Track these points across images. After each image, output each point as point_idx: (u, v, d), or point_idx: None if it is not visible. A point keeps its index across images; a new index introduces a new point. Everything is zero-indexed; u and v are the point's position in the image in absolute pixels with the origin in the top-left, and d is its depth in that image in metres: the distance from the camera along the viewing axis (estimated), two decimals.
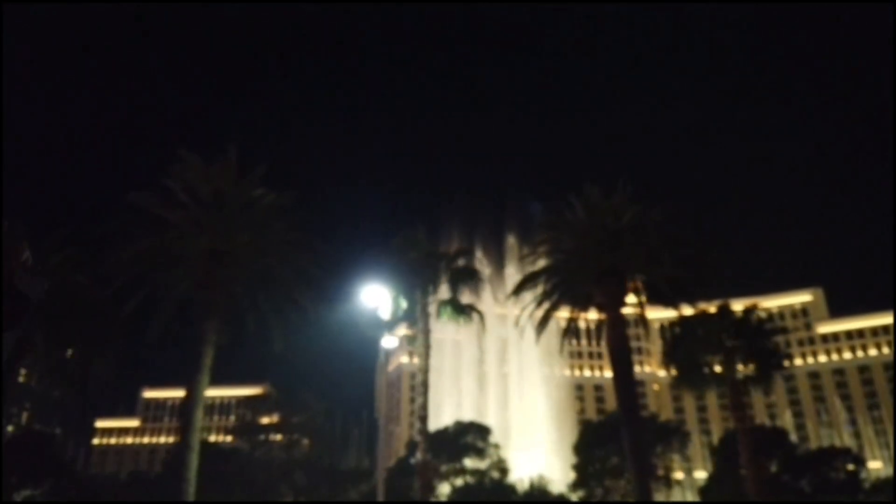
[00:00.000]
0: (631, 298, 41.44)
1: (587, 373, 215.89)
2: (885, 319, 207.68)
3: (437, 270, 40.91)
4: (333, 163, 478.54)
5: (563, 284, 40.66)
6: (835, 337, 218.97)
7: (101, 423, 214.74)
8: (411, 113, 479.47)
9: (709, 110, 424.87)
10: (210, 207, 35.59)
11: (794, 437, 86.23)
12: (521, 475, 71.12)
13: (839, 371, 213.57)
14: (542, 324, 41.21)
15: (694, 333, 42.00)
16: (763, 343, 43.60)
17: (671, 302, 40.16)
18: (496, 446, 71.94)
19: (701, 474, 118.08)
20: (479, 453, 72.11)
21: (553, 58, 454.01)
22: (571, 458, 71.39)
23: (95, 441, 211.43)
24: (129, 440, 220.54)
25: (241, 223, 36.11)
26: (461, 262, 41.68)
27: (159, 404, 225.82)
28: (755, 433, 72.59)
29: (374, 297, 35.11)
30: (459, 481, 70.27)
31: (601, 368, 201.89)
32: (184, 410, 32.85)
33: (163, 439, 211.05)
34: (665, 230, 39.73)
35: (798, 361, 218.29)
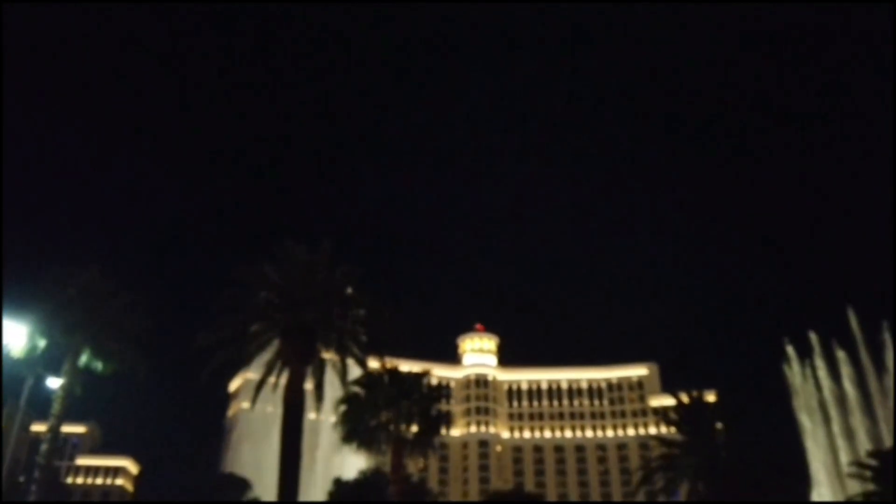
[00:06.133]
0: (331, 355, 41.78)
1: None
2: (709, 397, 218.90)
3: (92, 311, 38.50)
4: None
5: (254, 339, 40.38)
6: (664, 410, 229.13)
7: None
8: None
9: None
10: None
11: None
12: None
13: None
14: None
15: (367, 393, 42.56)
16: (428, 407, 44.76)
17: (358, 359, 40.80)
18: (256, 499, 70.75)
19: None
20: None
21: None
22: None
23: None
24: None
25: None
26: (115, 305, 39.36)
27: None
28: (511, 496, 74.61)
29: (7, 331, 33.00)
30: None
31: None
32: None
33: None
34: (358, 294, 40.54)
35: (630, 431, 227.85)
